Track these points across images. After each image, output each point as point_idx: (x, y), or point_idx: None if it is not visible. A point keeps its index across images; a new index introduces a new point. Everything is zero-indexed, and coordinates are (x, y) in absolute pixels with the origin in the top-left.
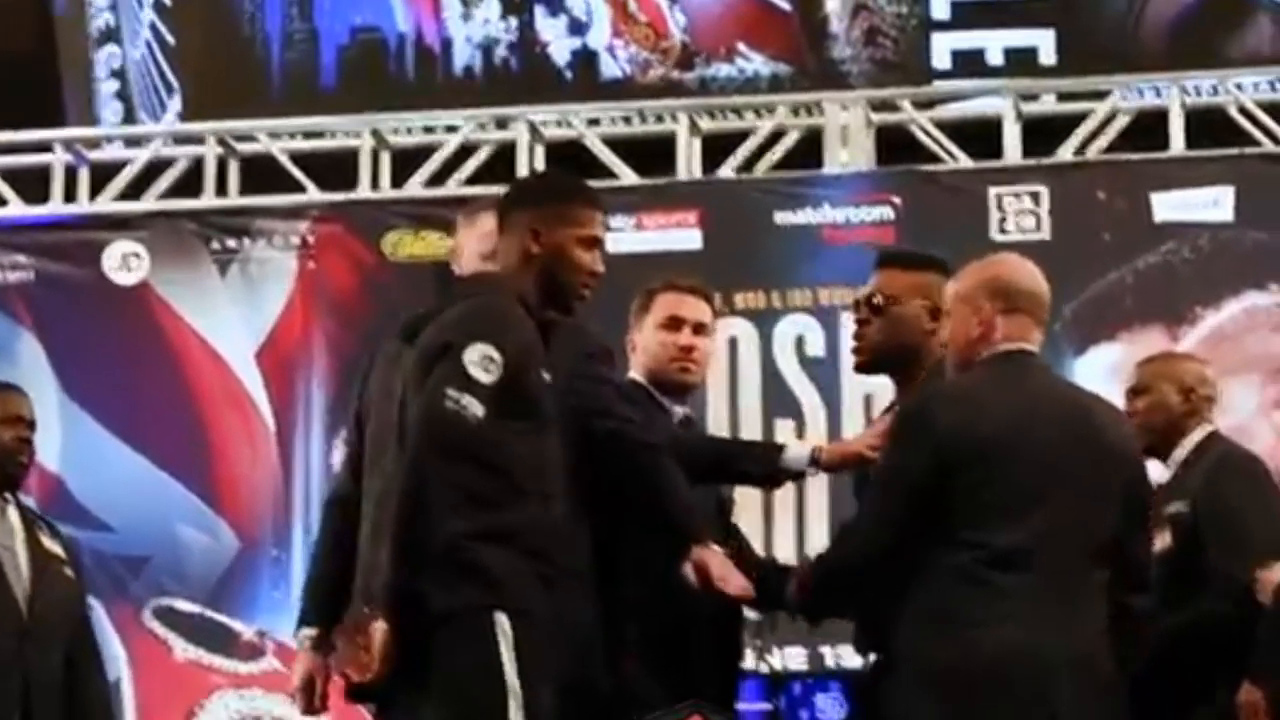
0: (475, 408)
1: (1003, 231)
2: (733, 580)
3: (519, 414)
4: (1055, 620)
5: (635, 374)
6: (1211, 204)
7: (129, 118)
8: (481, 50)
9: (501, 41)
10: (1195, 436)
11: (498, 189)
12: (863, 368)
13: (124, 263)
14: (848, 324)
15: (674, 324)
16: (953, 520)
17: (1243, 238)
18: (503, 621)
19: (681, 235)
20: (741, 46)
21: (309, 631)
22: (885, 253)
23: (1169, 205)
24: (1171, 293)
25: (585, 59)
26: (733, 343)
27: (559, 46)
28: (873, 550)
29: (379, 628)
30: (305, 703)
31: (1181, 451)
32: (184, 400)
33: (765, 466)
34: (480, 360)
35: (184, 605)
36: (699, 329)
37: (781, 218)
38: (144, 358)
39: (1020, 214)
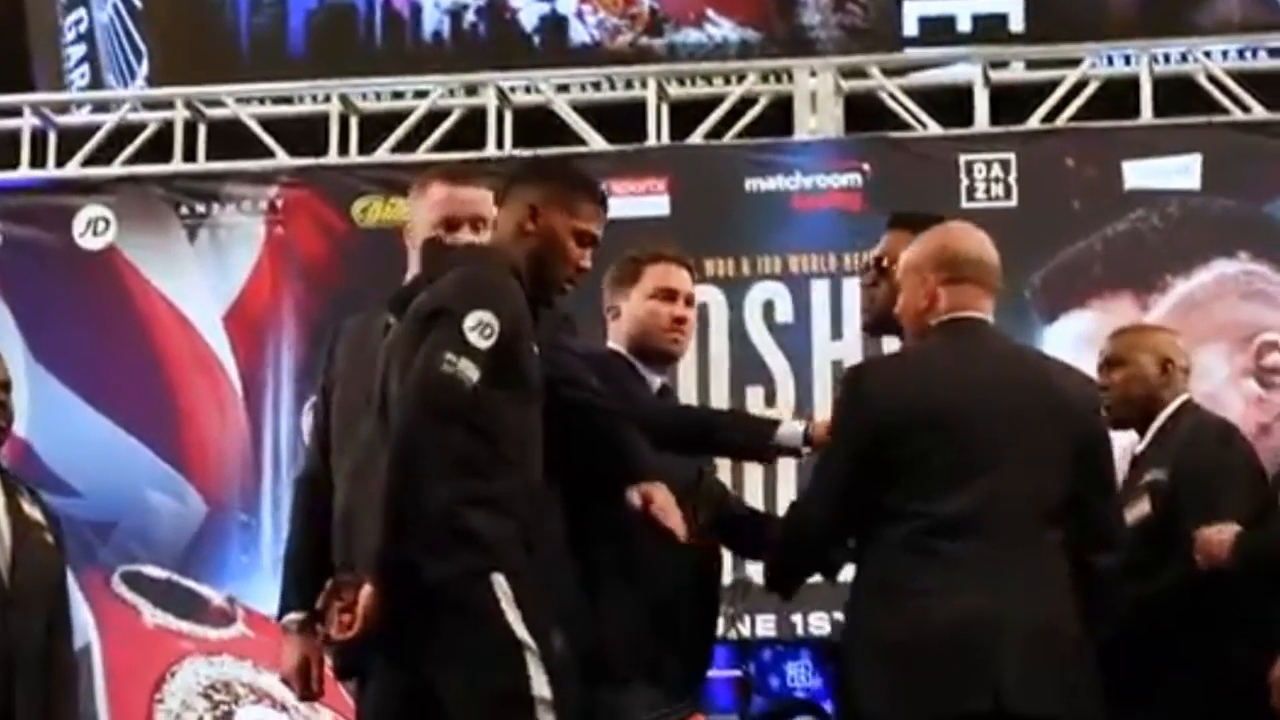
0: (471, 373)
1: (971, 199)
2: (672, 516)
3: (509, 383)
4: (1009, 586)
5: (615, 343)
6: (1180, 172)
7: (97, 82)
8: (450, 16)
9: (470, 7)
10: (1172, 406)
11: (467, 155)
12: (871, 328)
13: (92, 227)
14: (817, 290)
15: (668, 295)
16: (898, 491)
17: (1211, 205)
18: (500, 581)
19: (650, 202)
20: (710, 12)
21: (295, 616)
22: (895, 214)
23: (1138, 173)
24: (1141, 260)
25: (554, 25)
26: (702, 309)
27: (528, 12)
28: (817, 526)
29: (366, 590)
30: (302, 688)
31: (1158, 421)
32: (152, 365)
33: (758, 441)
34: (478, 326)
35: (152, 571)
36: (689, 301)
37: (751, 184)
38: (112, 322)
39: (989, 181)
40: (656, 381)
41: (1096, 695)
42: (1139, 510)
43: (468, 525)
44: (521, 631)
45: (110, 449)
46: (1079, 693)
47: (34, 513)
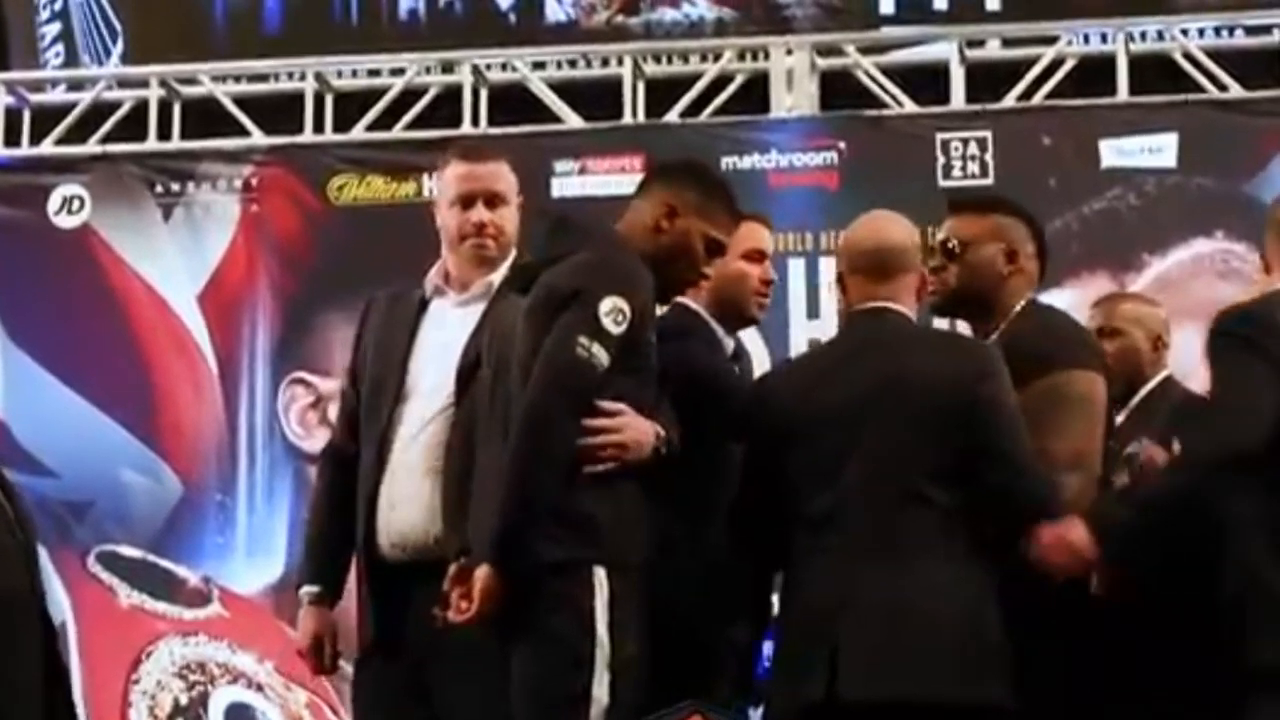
0: (603, 357)
1: (948, 177)
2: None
3: (631, 369)
4: (861, 575)
5: (692, 300)
6: (1157, 150)
7: (72, 61)
8: None
9: None
10: (1154, 381)
11: (442, 133)
12: (940, 311)
13: (67, 206)
14: (794, 269)
15: (759, 256)
16: (782, 494)
17: (1188, 184)
18: (600, 575)
19: (626, 180)
20: None
21: (311, 589)
22: (957, 199)
23: (1115, 151)
24: (1118, 239)
25: (530, 3)
26: None
27: None
28: (734, 536)
29: (483, 572)
30: (315, 663)
31: (1140, 394)
32: (127, 344)
33: None
34: (613, 311)
35: (128, 551)
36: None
37: (727, 162)
38: (87, 301)
39: (966, 159)
40: (730, 344)
41: (973, 670)
42: (1119, 482)
43: (581, 512)
44: (601, 629)
45: (85, 428)
46: (938, 671)
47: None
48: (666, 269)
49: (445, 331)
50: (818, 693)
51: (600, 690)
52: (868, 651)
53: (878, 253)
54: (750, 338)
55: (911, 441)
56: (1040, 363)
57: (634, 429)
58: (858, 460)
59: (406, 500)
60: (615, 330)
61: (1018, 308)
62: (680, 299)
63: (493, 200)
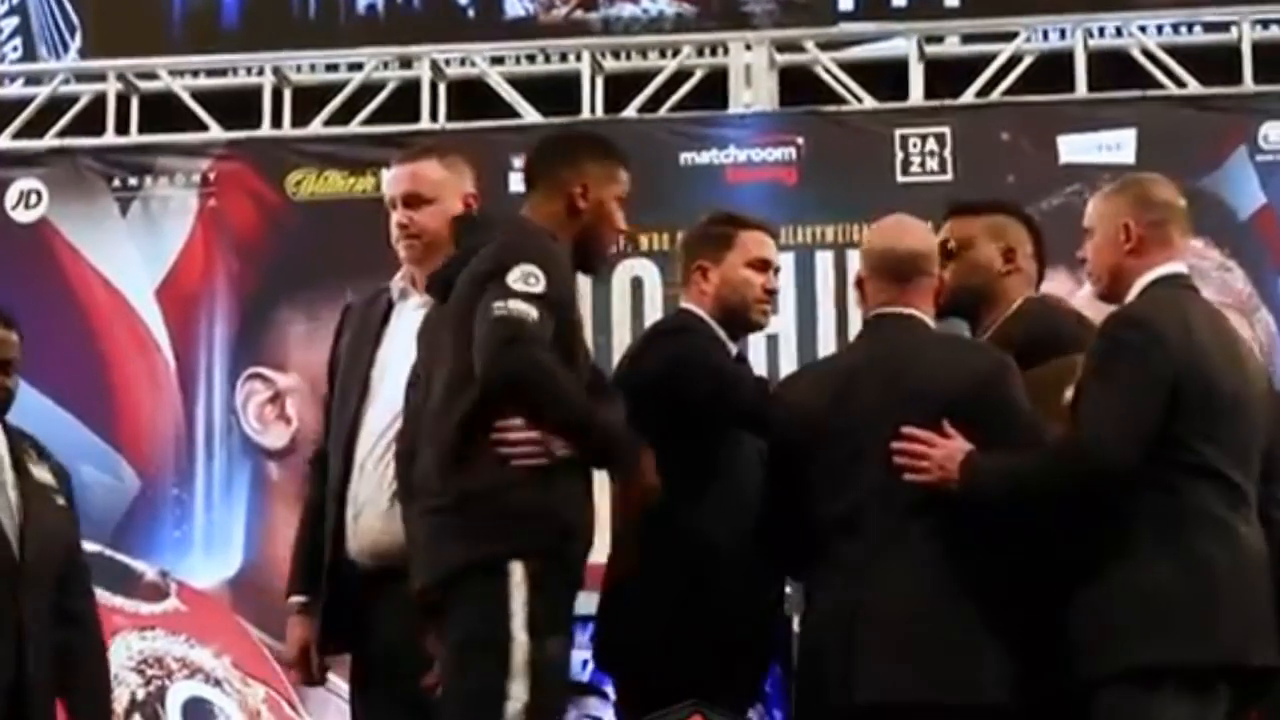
0: (526, 309)
1: (907, 173)
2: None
3: (559, 345)
4: (873, 580)
5: (695, 304)
6: (1115, 146)
7: (29, 55)
8: None
9: None
10: None
11: (401, 128)
12: (939, 311)
13: (24, 200)
14: None
15: (764, 265)
16: (803, 500)
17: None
18: (517, 570)
19: None
20: None
21: (297, 599)
22: (954, 202)
23: (1073, 147)
24: (1076, 235)
25: None
26: (637, 283)
27: None
28: (762, 543)
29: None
30: (304, 673)
31: None
32: (84, 339)
33: None
34: (522, 276)
35: (85, 545)
36: (776, 272)
37: (685, 158)
38: (44, 296)
39: (925, 155)
40: (733, 349)
41: (986, 672)
42: None
43: (498, 505)
44: (518, 627)
45: (43, 423)
46: (953, 676)
47: (42, 474)
48: (596, 243)
49: (408, 334)
50: (836, 697)
51: (518, 689)
52: (883, 655)
53: (897, 257)
54: None
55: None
56: (1036, 349)
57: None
58: (874, 466)
59: (370, 504)
60: (532, 289)
61: (1014, 306)
62: (685, 304)
63: (410, 200)
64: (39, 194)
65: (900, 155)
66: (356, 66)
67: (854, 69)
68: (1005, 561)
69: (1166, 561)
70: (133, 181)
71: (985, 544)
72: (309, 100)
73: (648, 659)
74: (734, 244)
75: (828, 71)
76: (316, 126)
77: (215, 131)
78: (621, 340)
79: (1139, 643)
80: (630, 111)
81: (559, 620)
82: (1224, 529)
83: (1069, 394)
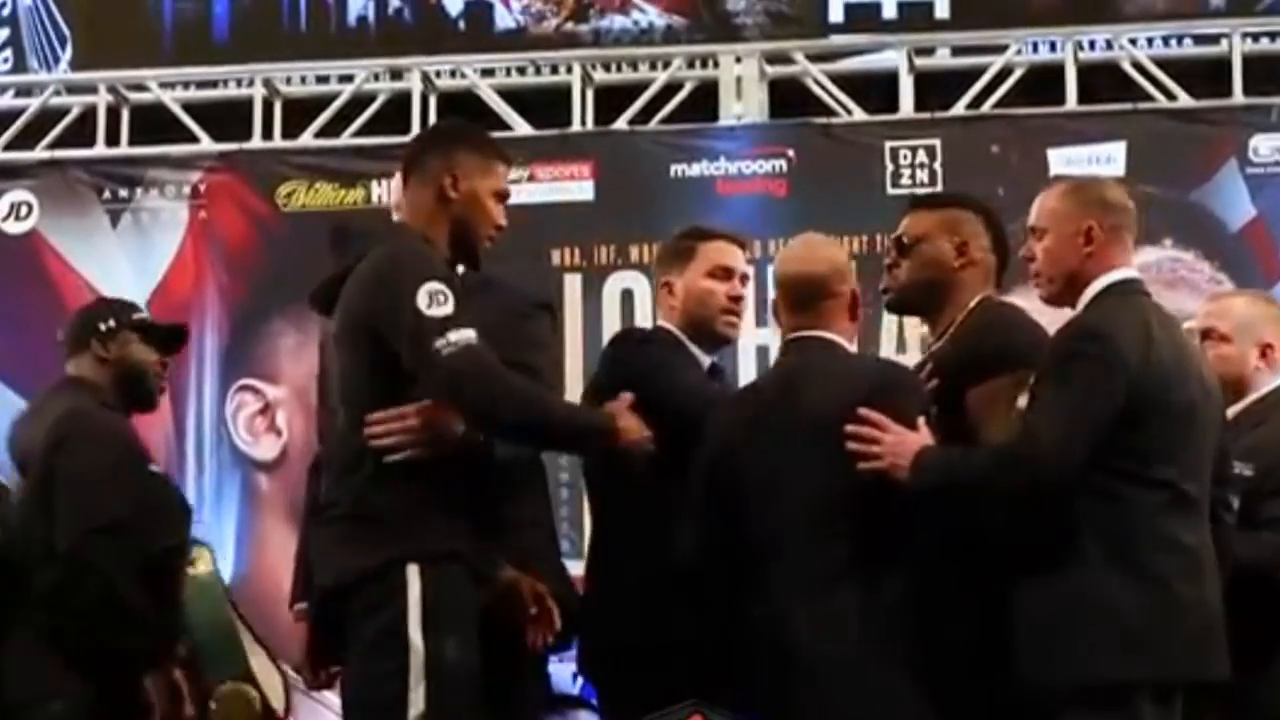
0: (467, 334)
1: (896, 185)
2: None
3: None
4: (797, 601)
5: (667, 321)
6: (1105, 159)
7: (20, 66)
8: (375, 1)
9: None
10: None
11: (391, 140)
12: (893, 307)
13: (14, 212)
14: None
15: (725, 274)
16: (728, 526)
17: (1135, 193)
18: (413, 574)
19: (575, 187)
20: None
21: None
22: (915, 197)
23: (1063, 160)
24: None
25: (479, 9)
26: (626, 295)
27: None
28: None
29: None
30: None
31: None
32: None
33: None
34: (429, 298)
35: None
36: (743, 279)
37: (676, 169)
38: (34, 307)
39: (915, 167)
40: (706, 361)
41: (894, 703)
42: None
43: (387, 508)
44: (414, 633)
45: None
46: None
47: None
48: (469, 233)
49: None
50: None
51: (416, 697)
52: (818, 695)
53: (799, 282)
54: None
55: (814, 474)
56: (990, 363)
57: (427, 417)
58: (788, 492)
59: None
60: (445, 309)
61: (971, 304)
62: (659, 322)
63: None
64: (30, 206)
65: (890, 167)
66: (347, 78)
67: (844, 81)
68: (931, 582)
69: (1118, 575)
70: (123, 193)
71: (909, 563)
72: (299, 112)
73: (628, 665)
74: (695, 255)
75: (818, 83)
76: (307, 138)
77: (206, 143)
78: None
79: (1104, 659)
80: (620, 123)
81: (458, 622)
82: (1175, 544)
83: (1022, 402)
